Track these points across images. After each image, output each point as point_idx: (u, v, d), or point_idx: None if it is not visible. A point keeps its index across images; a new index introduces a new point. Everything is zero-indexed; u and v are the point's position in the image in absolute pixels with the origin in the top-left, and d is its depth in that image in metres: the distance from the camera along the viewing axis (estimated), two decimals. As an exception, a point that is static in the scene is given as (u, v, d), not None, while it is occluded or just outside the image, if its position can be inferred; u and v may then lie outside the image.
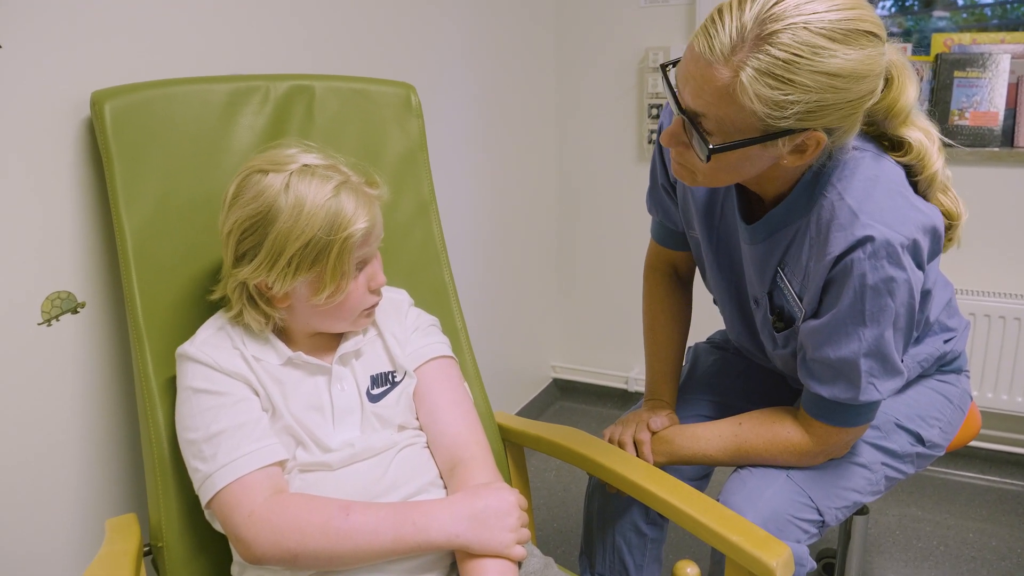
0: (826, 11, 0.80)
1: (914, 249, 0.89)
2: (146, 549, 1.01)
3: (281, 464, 0.91)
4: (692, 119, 0.86)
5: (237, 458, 0.87)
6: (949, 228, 0.99)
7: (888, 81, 0.91)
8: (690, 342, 1.39)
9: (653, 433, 1.13)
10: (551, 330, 2.55)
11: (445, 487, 0.98)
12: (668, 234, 1.23)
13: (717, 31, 0.82)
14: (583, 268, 2.46)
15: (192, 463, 0.90)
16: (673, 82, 0.89)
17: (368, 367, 1.01)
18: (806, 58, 0.79)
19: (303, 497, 0.89)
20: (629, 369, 2.48)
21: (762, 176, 0.94)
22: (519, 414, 2.39)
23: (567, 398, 2.59)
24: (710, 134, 0.86)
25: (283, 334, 0.99)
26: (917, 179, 0.97)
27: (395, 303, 1.07)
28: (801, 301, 0.99)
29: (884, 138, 0.99)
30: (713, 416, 1.23)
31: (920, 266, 0.91)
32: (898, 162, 0.96)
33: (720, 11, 0.83)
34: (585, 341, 2.53)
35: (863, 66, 0.82)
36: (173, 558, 0.98)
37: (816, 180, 0.95)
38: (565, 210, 2.44)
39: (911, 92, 0.93)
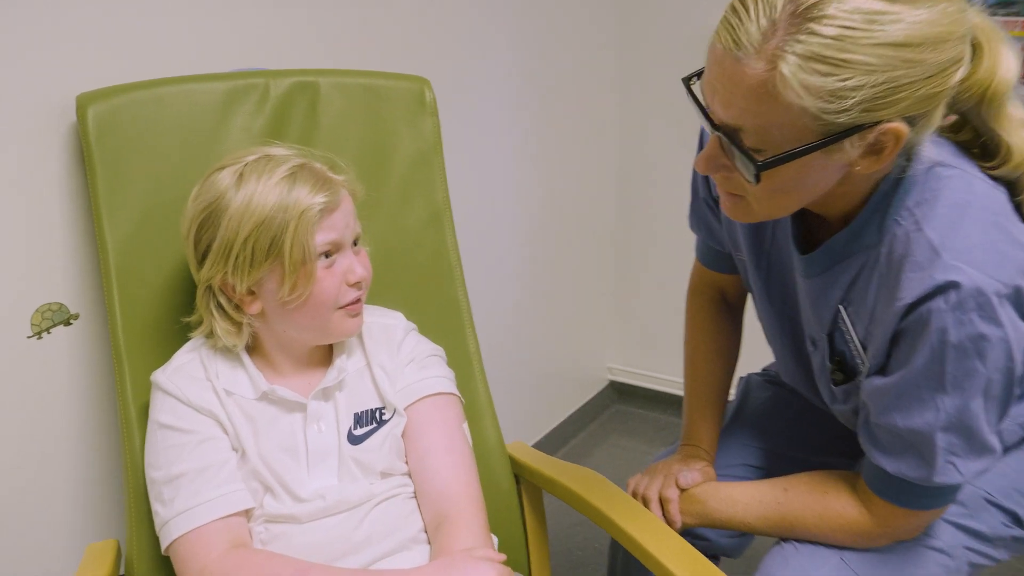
0: None
1: (1017, 299, 0.70)
2: (120, 581, 0.94)
3: (247, 513, 0.83)
4: (730, 135, 0.69)
5: (195, 506, 0.80)
6: None
7: (976, 49, 0.71)
8: (742, 371, 1.22)
9: (682, 490, 0.97)
10: (608, 330, 2.39)
11: (430, 542, 0.87)
12: (713, 255, 1.06)
13: (741, 20, 0.65)
14: (642, 265, 2.29)
15: (153, 504, 0.84)
16: (702, 98, 0.73)
17: (352, 403, 0.90)
18: (861, 30, 0.63)
19: (260, 556, 0.80)
20: (692, 375, 2.29)
21: (829, 192, 0.76)
22: (572, 417, 2.25)
23: (624, 402, 2.44)
24: (756, 150, 0.69)
25: (264, 358, 0.90)
26: (1021, 199, 0.77)
27: (387, 329, 0.95)
28: (865, 352, 0.81)
29: (974, 144, 0.78)
30: (760, 467, 1.07)
31: None
32: (995, 178, 0.76)
33: None
34: (645, 342, 2.37)
35: (938, 28, 0.64)
36: (143, 599, 0.90)
37: (890, 199, 0.76)
38: (624, 203, 2.26)
39: (1010, 62, 0.73)
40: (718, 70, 0.68)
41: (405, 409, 0.91)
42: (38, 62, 0.94)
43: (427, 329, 1.03)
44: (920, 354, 0.73)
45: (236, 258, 0.82)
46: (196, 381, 0.86)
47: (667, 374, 2.35)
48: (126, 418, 0.93)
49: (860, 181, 0.76)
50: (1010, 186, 0.77)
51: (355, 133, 1.09)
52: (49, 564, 1.04)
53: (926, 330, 0.72)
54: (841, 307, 0.83)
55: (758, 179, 0.70)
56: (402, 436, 0.90)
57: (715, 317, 1.10)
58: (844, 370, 0.86)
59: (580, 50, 1.99)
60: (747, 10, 0.65)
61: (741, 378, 1.20)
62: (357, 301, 0.88)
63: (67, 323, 1.02)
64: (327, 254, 0.84)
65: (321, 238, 0.83)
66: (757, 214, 0.78)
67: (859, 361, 0.82)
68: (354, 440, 0.88)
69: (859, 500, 0.85)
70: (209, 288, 0.86)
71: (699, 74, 0.74)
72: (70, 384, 1.03)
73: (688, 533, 1.05)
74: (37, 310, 0.99)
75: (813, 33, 0.63)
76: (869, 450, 0.82)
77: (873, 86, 0.64)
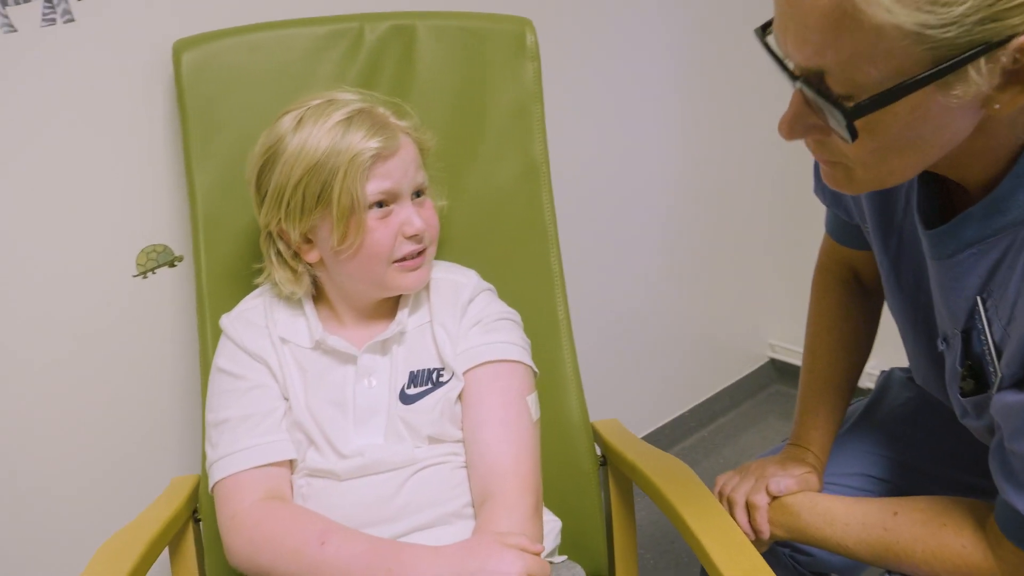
0: None
1: None
2: (196, 516, 0.99)
3: (288, 464, 0.83)
4: (812, 82, 0.55)
5: (234, 452, 0.81)
6: None
7: None
8: (884, 364, 1.03)
9: (774, 497, 0.84)
10: (770, 302, 2.17)
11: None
12: (841, 227, 0.89)
13: None
14: (812, 232, 2.03)
15: (206, 446, 0.86)
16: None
17: (411, 360, 0.86)
18: None
19: (290, 511, 0.79)
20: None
21: (962, 148, 0.59)
22: (722, 393, 2.09)
23: (785, 382, 2.22)
24: (846, 96, 0.54)
25: (328, 308, 0.89)
26: None
27: (455, 287, 0.90)
28: (999, 358, 0.63)
29: None
30: (884, 479, 0.90)
31: None
32: None
33: None
34: (813, 320, 2.12)
35: None
36: (209, 534, 0.95)
37: None
38: (791, 162, 2.01)
39: None
40: (784, 4, 0.54)
41: (464, 374, 0.85)
42: (144, 9, 0.97)
43: (512, 290, 0.97)
44: (1070, 368, 0.55)
45: (288, 204, 0.80)
46: (253, 327, 0.87)
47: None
48: (205, 360, 0.95)
49: (1003, 129, 0.57)
50: None
51: (451, 80, 1.03)
52: (142, 491, 1.11)
53: (1080, 338, 0.54)
54: (979, 299, 0.66)
55: (853, 133, 0.54)
56: (459, 402, 0.85)
57: (843, 301, 0.93)
58: (977, 377, 0.68)
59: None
60: None
61: (883, 372, 1.02)
62: (417, 255, 0.84)
63: (171, 264, 1.07)
64: (382, 203, 0.81)
65: (374, 186, 0.79)
66: (863, 182, 0.61)
67: (992, 369, 0.65)
68: (406, 399, 0.84)
69: (983, 540, 0.68)
70: (270, 235, 0.86)
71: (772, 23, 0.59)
72: (174, 323, 1.08)
73: (787, 545, 0.92)
74: (142, 251, 1.04)
75: None
76: (1000, 482, 0.65)
77: None
